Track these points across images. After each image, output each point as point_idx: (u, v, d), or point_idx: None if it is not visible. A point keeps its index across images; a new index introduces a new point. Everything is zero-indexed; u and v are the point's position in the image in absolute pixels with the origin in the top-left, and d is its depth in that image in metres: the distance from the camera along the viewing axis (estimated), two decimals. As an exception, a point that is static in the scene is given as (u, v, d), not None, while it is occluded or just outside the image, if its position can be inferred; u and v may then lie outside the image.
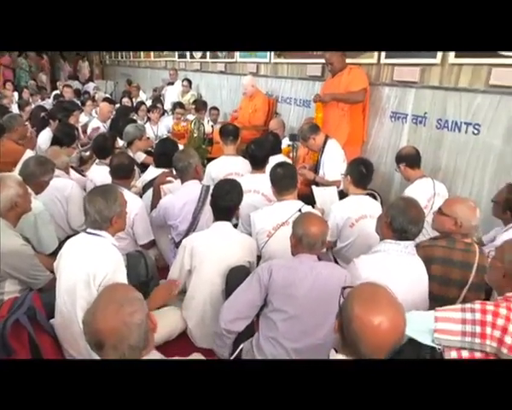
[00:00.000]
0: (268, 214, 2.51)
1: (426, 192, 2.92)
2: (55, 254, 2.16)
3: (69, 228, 2.95)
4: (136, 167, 3.74)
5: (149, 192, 3.05)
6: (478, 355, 1.47)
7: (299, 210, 2.44)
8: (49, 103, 7.29)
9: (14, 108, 6.39)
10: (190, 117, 5.52)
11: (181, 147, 3.45)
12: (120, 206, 1.96)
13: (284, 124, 4.88)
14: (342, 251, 2.72)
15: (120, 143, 4.03)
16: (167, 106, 6.77)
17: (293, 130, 4.74)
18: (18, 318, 1.77)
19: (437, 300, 1.82)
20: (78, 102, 6.76)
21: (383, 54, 3.88)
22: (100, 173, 3.17)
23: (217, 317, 1.91)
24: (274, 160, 3.24)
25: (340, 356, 1.19)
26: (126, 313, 1.11)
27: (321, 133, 3.61)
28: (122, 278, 1.85)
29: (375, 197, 3.19)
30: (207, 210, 2.57)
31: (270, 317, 1.79)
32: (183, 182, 2.80)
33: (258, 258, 2.43)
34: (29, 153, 3.44)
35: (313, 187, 3.20)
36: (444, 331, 1.49)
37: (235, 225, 2.99)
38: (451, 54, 3.25)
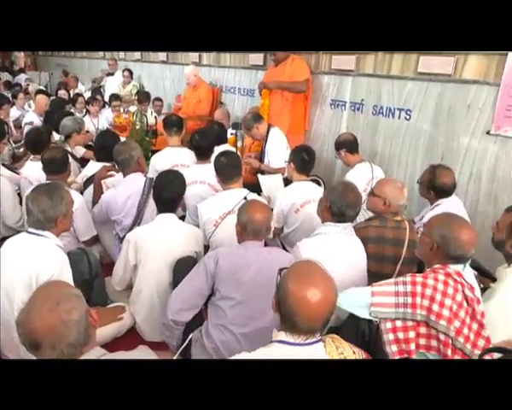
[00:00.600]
0: (214, 204, 2.51)
1: (365, 176, 3.07)
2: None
3: (3, 227, 2.78)
4: (76, 162, 3.61)
5: (91, 188, 2.93)
6: (410, 324, 1.58)
7: (245, 198, 2.46)
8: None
9: None
10: (133, 109, 5.35)
11: (123, 140, 3.34)
12: (66, 205, 1.89)
13: (229, 113, 4.87)
14: (289, 236, 2.79)
15: (56, 137, 3.81)
16: (108, 98, 6.50)
17: (238, 119, 4.76)
18: None
19: (374, 276, 1.92)
20: (9, 96, 6.29)
21: (321, 43, 3.99)
22: (34, 170, 2.98)
23: (165, 309, 1.89)
24: (219, 150, 3.23)
25: (282, 334, 1.23)
26: (63, 311, 1.08)
27: (264, 122, 3.65)
28: (68, 279, 1.79)
29: (318, 183, 3.30)
30: (152, 203, 2.52)
31: (219, 304, 1.80)
32: (125, 175, 2.72)
33: (207, 248, 2.43)
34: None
35: (259, 175, 3.24)
36: (379, 305, 1.59)
37: (183, 217, 2.97)
38: (384, 43, 3.42)
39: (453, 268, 1.63)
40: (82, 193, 2.93)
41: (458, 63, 2.96)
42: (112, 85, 6.96)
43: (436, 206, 2.54)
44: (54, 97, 6.06)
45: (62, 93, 6.40)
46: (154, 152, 3.69)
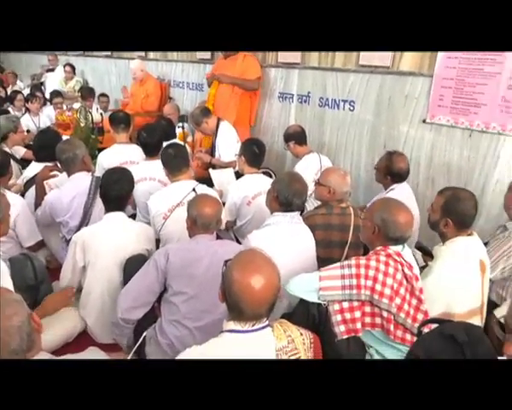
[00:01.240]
0: (163, 197, 2.48)
1: (313, 167, 3.15)
2: None
3: None
4: (15, 163, 3.41)
5: (32, 189, 2.79)
6: (356, 304, 1.67)
7: (194, 190, 2.45)
8: None
9: None
10: (76, 106, 5.12)
11: (65, 138, 3.20)
12: (3, 209, 1.79)
13: (178, 108, 4.81)
14: (242, 229, 2.82)
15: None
16: (49, 95, 6.17)
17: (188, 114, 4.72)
18: None
19: (324, 262, 1.99)
20: None
21: (267, 37, 4.03)
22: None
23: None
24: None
25: (231, 323, 1.26)
26: (4, 317, 1.03)
27: (213, 116, 3.64)
28: (8, 287, 1.69)
29: (270, 175, 3.35)
30: (100, 202, 2.44)
31: (172, 300, 1.79)
32: (69, 175, 2.61)
33: (158, 242, 2.40)
34: None
35: (210, 170, 3.24)
36: (327, 288, 1.66)
37: (134, 216, 2.90)
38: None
39: (393, 249, 1.73)
40: (23, 195, 2.79)
41: (396, 56, 3.11)
42: (53, 82, 6.61)
43: (390, 190, 2.66)
44: (-12, 96, 5.67)
45: (-2, 91, 6.00)
46: (101, 150, 3.57)
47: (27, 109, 5.10)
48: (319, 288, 1.65)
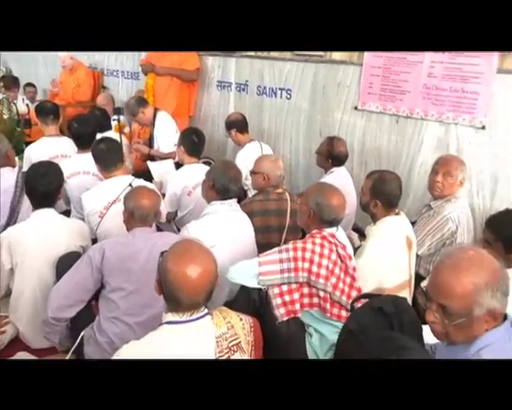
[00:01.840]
0: (97, 194, 2.36)
1: (255, 154, 3.14)
2: None
3: None
4: None
5: None
6: (294, 286, 1.71)
7: (130, 185, 2.35)
8: None
9: None
10: (-1, 96, 4.71)
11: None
12: None
13: (113, 98, 4.59)
14: (183, 220, 2.76)
15: None
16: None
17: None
18: None
19: (263, 247, 2.01)
20: None
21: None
22: None
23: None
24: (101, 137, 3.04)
25: (169, 315, 1.24)
26: None
27: (149, 106, 3.52)
28: None
29: (210, 164, 3.31)
30: (27, 199, 2.28)
31: (110, 297, 1.72)
32: (-9, 171, 2.41)
33: (94, 241, 2.27)
34: None
35: (148, 162, 3.13)
36: (266, 273, 1.69)
37: (67, 212, 2.74)
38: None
39: (328, 231, 1.79)
40: None
41: (328, 45, 3.19)
42: (-30, 71, 6.02)
43: (330, 173, 2.74)
44: None
45: None
46: (29, 144, 3.32)
47: None
48: (259, 273, 1.68)
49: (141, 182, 2.45)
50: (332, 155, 2.75)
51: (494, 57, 2.44)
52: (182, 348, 1.21)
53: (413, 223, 2.18)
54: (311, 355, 1.75)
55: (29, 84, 5.34)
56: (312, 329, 1.78)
